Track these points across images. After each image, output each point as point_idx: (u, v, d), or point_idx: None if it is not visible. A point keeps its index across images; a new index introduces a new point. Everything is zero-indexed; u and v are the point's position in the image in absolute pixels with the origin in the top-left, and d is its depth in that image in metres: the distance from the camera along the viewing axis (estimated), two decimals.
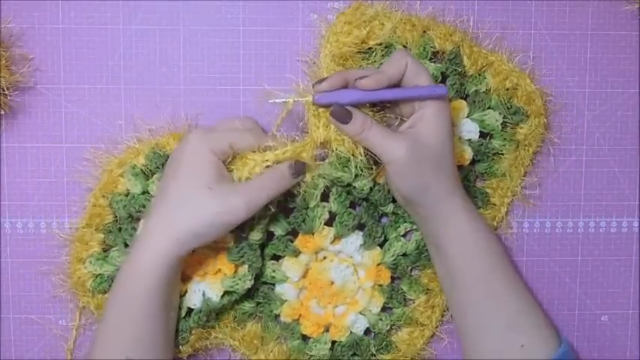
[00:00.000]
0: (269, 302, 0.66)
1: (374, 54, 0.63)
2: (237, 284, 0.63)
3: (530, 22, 0.67)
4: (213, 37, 0.65)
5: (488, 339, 0.61)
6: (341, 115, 0.57)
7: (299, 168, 0.60)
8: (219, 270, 0.63)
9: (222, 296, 0.63)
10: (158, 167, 0.63)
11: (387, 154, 0.57)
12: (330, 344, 0.67)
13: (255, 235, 0.62)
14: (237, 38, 0.65)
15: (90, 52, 0.64)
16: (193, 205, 0.57)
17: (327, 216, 0.64)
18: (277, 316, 0.67)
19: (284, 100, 0.59)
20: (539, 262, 0.70)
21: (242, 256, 0.62)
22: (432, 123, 0.58)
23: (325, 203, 0.64)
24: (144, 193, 0.63)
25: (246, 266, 0.63)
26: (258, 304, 0.66)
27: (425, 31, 0.64)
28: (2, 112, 0.63)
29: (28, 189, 0.65)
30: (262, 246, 0.64)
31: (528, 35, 0.67)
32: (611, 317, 0.71)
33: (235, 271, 0.63)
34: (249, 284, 0.63)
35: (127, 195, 0.63)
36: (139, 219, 0.63)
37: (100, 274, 0.64)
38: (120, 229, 0.63)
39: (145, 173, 0.63)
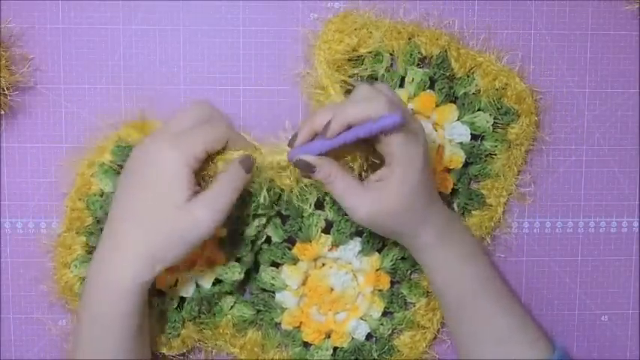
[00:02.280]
0: (269, 310, 0.66)
1: (365, 61, 0.63)
2: (227, 273, 0.63)
3: (530, 22, 0.67)
4: (213, 37, 0.65)
5: (479, 354, 0.61)
6: (304, 167, 0.57)
7: (248, 163, 0.58)
8: (209, 259, 0.63)
9: (214, 284, 0.63)
10: (124, 159, 0.61)
11: (349, 210, 0.57)
12: (331, 350, 0.67)
13: (249, 231, 0.62)
14: (237, 38, 0.65)
15: (90, 52, 0.64)
16: (164, 226, 0.55)
17: (323, 224, 0.64)
18: (278, 324, 0.67)
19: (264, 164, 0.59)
20: (539, 262, 0.70)
21: (234, 248, 0.62)
22: (400, 180, 0.56)
23: (320, 212, 0.63)
24: None
25: (237, 258, 0.63)
26: (258, 311, 0.66)
27: (410, 38, 0.64)
28: (2, 112, 0.63)
29: (28, 189, 0.65)
30: (255, 245, 0.64)
31: (528, 35, 0.67)
32: (611, 317, 0.71)
33: (226, 261, 0.63)
34: (238, 276, 0.63)
35: (101, 195, 0.63)
36: None
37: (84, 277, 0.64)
38: (101, 230, 0.63)
39: (113, 169, 0.62)
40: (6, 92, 0.62)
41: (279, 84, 0.65)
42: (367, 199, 0.56)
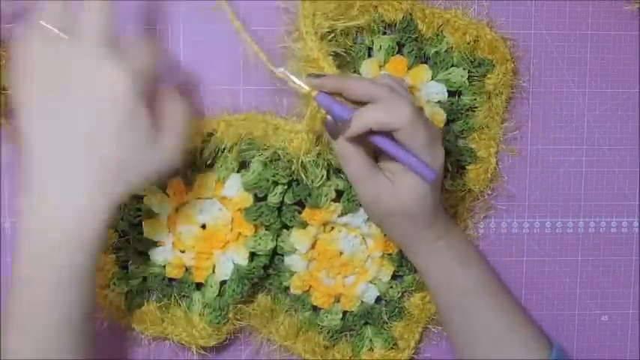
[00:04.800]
0: (278, 274, 0.66)
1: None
2: (260, 244, 0.63)
3: (530, 22, 0.67)
4: (213, 37, 0.65)
5: (474, 355, 0.61)
6: (332, 129, 0.56)
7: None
8: (240, 234, 0.64)
9: (251, 260, 0.64)
10: None
11: (356, 192, 0.57)
12: (341, 314, 0.67)
13: (273, 199, 0.62)
14: (237, 38, 0.65)
15: None
16: (131, 152, 0.51)
17: (333, 195, 0.64)
18: (287, 288, 0.67)
19: (292, 80, 0.57)
20: (539, 262, 0.70)
21: (259, 216, 0.63)
22: (412, 190, 0.56)
23: (331, 182, 0.64)
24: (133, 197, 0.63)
25: (265, 226, 0.63)
26: (268, 276, 0.66)
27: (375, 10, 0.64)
28: (2, 113, 0.63)
29: None
30: (280, 212, 0.64)
31: (528, 35, 0.67)
32: (611, 317, 0.71)
33: (255, 231, 0.64)
34: (271, 244, 0.63)
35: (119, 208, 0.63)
36: (140, 224, 0.63)
37: (129, 291, 0.64)
38: (128, 241, 0.64)
39: None
40: (6, 92, 0.62)
41: (279, 84, 0.65)
42: (376, 186, 0.56)
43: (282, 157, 0.62)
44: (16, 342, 0.49)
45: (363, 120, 0.54)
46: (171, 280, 0.65)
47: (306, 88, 0.57)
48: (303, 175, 0.62)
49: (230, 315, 0.64)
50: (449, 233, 0.60)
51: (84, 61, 0.48)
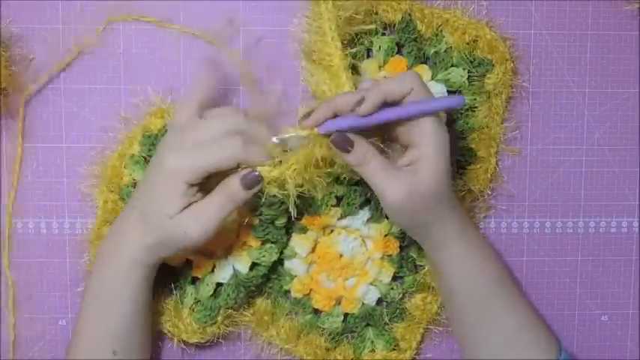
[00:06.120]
0: (279, 278, 0.66)
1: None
2: (264, 256, 0.63)
3: (530, 22, 0.67)
4: (212, 37, 0.65)
5: (486, 354, 0.61)
6: (341, 143, 0.55)
7: (251, 180, 0.56)
8: (245, 243, 0.64)
9: (251, 269, 0.64)
10: (151, 148, 0.63)
11: (382, 195, 0.56)
12: (342, 317, 0.67)
13: (281, 220, 0.62)
14: (237, 38, 0.65)
15: (90, 52, 0.64)
16: (158, 230, 0.57)
17: (334, 202, 0.64)
18: (287, 292, 0.67)
19: (290, 135, 0.57)
20: (539, 262, 0.70)
21: (267, 234, 0.63)
22: (433, 166, 0.55)
23: (331, 188, 0.63)
24: None
25: (272, 241, 0.64)
26: (268, 279, 0.66)
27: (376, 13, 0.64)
28: (2, 112, 0.63)
29: (29, 189, 0.65)
30: (288, 229, 0.65)
31: (528, 35, 0.67)
32: (611, 317, 0.71)
33: (262, 244, 0.64)
34: (275, 256, 0.64)
35: (134, 185, 0.64)
36: None
37: None
38: None
39: (144, 158, 0.64)
40: (6, 92, 0.62)
41: (280, 84, 0.65)
42: (401, 181, 0.55)
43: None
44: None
45: (374, 93, 0.54)
46: (169, 270, 0.65)
47: (305, 132, 0.56)
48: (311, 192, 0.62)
49: (219, 318, 0.64)
50: (467, 228, 0.60)
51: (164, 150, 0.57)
